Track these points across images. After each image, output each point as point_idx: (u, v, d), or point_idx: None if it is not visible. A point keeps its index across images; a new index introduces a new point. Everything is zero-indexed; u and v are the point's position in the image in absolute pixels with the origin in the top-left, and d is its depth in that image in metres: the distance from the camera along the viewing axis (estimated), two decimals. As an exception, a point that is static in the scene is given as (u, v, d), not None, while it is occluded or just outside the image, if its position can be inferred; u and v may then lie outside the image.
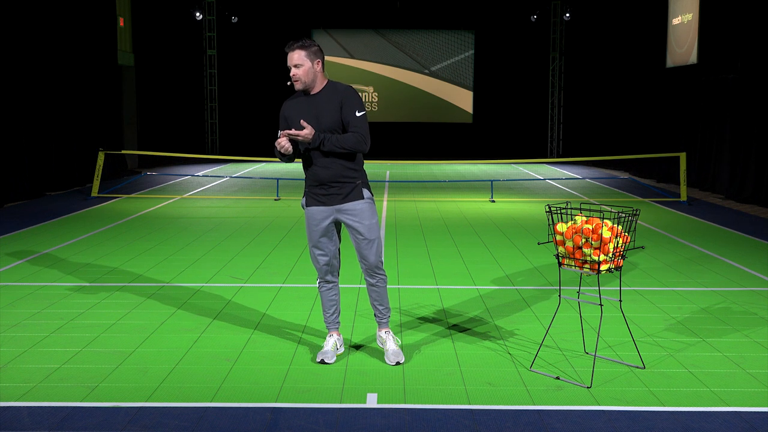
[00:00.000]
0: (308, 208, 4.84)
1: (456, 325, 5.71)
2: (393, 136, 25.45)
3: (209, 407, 4.14)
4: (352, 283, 6.91)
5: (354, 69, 25.59)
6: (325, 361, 4.83)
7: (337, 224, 4.89)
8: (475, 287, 6.93)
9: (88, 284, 6.92)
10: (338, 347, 4.98)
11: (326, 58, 25.83)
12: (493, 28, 25.22)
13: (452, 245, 9.05)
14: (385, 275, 4.94)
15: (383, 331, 4.98)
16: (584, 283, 6.49)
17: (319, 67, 4.74)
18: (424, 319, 5.85)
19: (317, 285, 5.01)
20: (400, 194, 14.38)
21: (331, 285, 4.97)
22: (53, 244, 8.83)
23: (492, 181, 14.50)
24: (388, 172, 19.14)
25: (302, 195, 4.93)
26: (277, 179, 14.87)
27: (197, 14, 23.33)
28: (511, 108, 25.41)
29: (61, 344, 5.18)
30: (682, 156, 13.42)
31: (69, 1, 15.40)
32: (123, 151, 16.71)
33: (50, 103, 14.54)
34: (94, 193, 13.50)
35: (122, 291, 6.68)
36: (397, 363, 4.81)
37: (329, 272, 4.93)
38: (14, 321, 5.72)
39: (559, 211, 4.71)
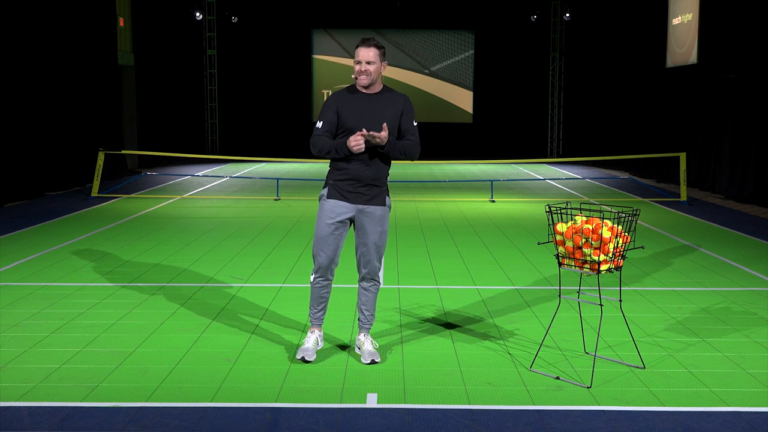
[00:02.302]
0: (329, 200, 4.81)
1: (456, 325, 5.71)
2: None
3: (209, 407, 4.14)
4: (352, 283, 6.91)
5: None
6: (306, 359, 4.82)
7: (349, 224, 4.89)
8: (475, 287, 6.93)
9: (88, 284, 6.92)
10: (318, 343, 4.97)
11: (326, 58, 25.97)
12: (493, 28, 25.21)
13: (452, 245, 9.05)
14: (379, 282, 4.98)
15: (362, 335, 4.98)
16: (584, 283, 6.49)
17: (383, 70, 4.82)
18: (424, 319, 5.85)
19: (311, 279, 4.97)
20: (400, 194, 14.38)
21: (326, 282, 4.94)
22: (53, 244, 8.83)
23: (492, 181, 14.50)
24: (388, 172, 19.13)
25: (323, 186, 4.89)
26: (277, 179, 14.87)
27: (197, 14, 23.33)
28: (511, 108, 25.40)
29: (61, 344, 5.18)
30: (682, 156, 13.42)
31: (69, 1, 15.40)
32: (123, 151, 16.71)
33: (50, 103, 14.54)
34: (94, 193, 13.50)
35: (122, 291, 6.69)
36: (372, 362, 4.81)
37: (328, 269, 4.90)
38: (14, 321, 5.72)
39: (559, 211, 4.71)
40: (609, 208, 4.85)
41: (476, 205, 12.91)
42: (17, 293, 6.55)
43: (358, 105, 4.77)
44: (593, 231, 4.49)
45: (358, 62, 4.74)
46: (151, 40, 20.83)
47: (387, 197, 4.88)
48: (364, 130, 4.61)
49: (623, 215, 4.63)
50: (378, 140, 4.63)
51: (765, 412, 4.12)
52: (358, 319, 5.01)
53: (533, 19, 24.55)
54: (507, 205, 12.87)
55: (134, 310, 6.07)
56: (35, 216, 11.12)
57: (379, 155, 4.75)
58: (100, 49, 16.95)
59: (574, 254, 4.59)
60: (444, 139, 25.60)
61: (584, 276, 5.82)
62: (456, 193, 14.80)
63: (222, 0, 24.48)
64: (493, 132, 25.45)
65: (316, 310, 4.98)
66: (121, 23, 18.95)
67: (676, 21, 16.90)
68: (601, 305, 4.74)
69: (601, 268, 4.52)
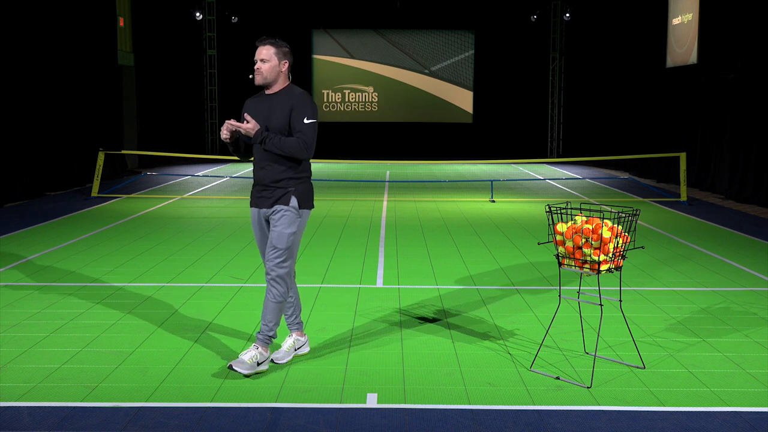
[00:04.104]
0: (251, 208, 4.86)
1: (456, 325, 5.71)
2: (393, 136, 25.45)
3: (209, 407, 4.14)
4: (349, 283, 6.91)
5: (354, 69, 25.59)
6: (274, 361, 4.80)
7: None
8: (475, 287, 6.93)
9: (88, 284, 6.92)
10: (297, 348, 4.93)
11: (326, 58, 25.94)
12: (493, 28, 25.21)
13: (452, 245, 9.05)
14: (278, 292, 4.64)
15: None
16: (584, 283, 6.49)
17: (284, 69, 4.76)
18: (424, 319, 5.85)
19: None
20: (400, 194, 14.38)
21: None
22: (53, 244, 8.83)
23: (492, 181, 14.50)
24: (388, 172, 19.14)
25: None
26: (277, 179, 14.84)
27: (197, 14, 23.33)
28: (511, 108, 25.40)
29: (61, 344, 5.18)
30: (682, 156, 13.42)
31: (69, 1, 15.40)
32: (123, 151, 16.71)
33: (50, 103, 14.54)
34: (94, 193, 13.50)
35: (122, 291, 6.69)
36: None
37: None
38: (14, 321, 5.72)
39: (559, 211, 4.71)
40: (609, 208, 4.85)
41: (476, 205, 12.91)
42: (17, 293, 6.55)
43: (257, 107, 4.81)
44: (593, 231, 4.49)
45: (254, 62, 4.77)
46: (151, 40, 20.83)
47: (293, 198, 4.65)
48: (232, 121, 4.69)
49: (623, 215, 4.63)
50: (243, 131, 4.65)
51: (765, 412, 4.13)
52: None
53: (533, 19, 24.54)
54: (507, 205, 12.87)
55: (134, 310, 6.07)
56: (35, 216, 11.11)
57: (272, 156, 4.65)
58: (100, 49, 16.95)
59: (574, 254, 4.59)
60: (444, 139, 25.61)
61: (584, 276, 5.82)
62: (456, 193, 14.80)
63: (222, 0, 24.48)
64: (493, 132, 25.45)
65: (286, 315, 4.99)
66: (121, 23, 18.95)
67: (676, 21, 16.90)
68: (601, 305, 4.74)
69: (601, 268, 4.53)
